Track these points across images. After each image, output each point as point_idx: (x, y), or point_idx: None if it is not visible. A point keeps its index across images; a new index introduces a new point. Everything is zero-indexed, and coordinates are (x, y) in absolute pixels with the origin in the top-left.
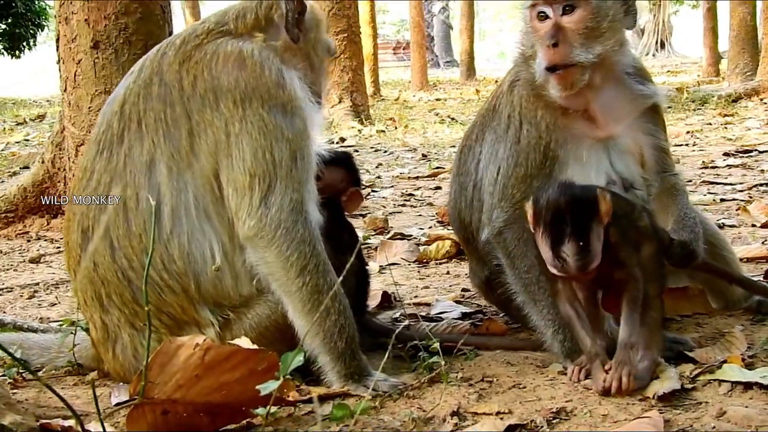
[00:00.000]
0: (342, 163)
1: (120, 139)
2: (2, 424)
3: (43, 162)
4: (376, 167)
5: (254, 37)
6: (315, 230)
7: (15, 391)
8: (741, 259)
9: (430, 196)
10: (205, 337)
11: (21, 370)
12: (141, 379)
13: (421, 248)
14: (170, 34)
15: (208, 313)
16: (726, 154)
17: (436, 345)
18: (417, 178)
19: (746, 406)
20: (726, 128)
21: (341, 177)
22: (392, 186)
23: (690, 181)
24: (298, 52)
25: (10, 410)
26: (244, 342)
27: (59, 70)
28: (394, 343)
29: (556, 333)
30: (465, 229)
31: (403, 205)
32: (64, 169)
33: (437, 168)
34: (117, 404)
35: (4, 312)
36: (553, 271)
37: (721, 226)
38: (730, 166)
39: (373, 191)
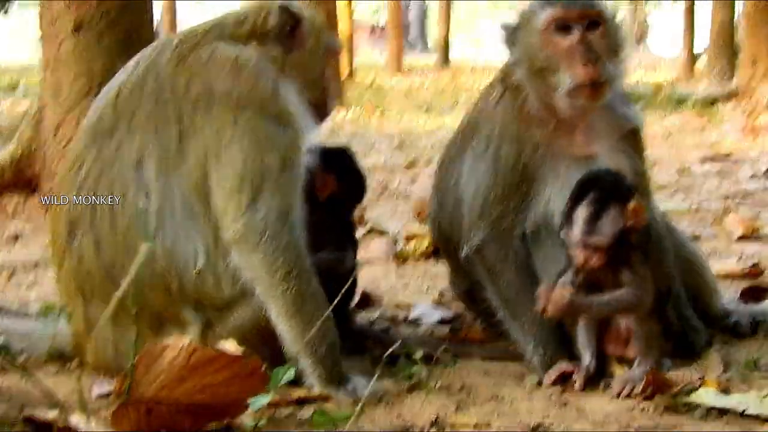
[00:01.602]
0: (343, 161)
1: (111, 133)
2: None
3: (20, 140)
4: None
5: (250, 45)
6: (300, 238)
7: None
8: (717, 275)
9: (406, 189)
10: (190, 339)
11: (3, 357)
12: (126, 379)
13: (399, 246)
14: (151, 20)
15: (190, 312)
16: (702, 160)
17: (419, 353)
18: (392, 171)
19: None
20: (703, 131)
21: (347, 181)
22: (368, 176)
23: (665, 187)
24: (295, 62)
25: None
26: (230, 345)
27: (42, 48)
28: (373, 348)
29: (536, 347)
30: (446, 243)
31: (380, 197)
32: (42, 148)
33: (414, 158)
34: (99, 395)
35: None
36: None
37: (697, 237)
38: (706, 174)
39: None
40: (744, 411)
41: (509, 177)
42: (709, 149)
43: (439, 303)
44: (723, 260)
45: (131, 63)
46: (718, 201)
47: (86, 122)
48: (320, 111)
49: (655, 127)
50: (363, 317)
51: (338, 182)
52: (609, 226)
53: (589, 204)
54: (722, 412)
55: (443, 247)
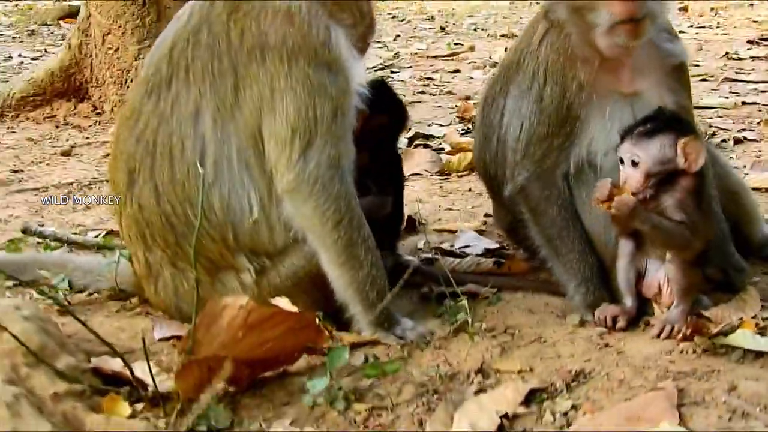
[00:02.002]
0: (387, 100)
1: (168, 85)
2: (57, 368)
3: (69, 47)
4: (394, 40)
5: None
6: (350, 185)
7: (62, 321)
8: (759, 189)
9: (449, 82)
10: (247, 299)
11: (68, 298)
12: (188, 338)
13: (444, 158)
14: None
15: (244, 260)
16: (750, 42)
17: (464, 301)
18: (436, 57)
19: (756, 379)
20: (752, 6)
21: (388, 113)
22: (410, 66)
23: (712, 76)
24: (345, 2)
25: (63, 351)
26: (284, 302)
27: None
28: (420, 282)
29: (578, 286)
30: (490, 180)
31: (423, 92)
32: (90, 56)
33: (456, 45)
34: (160, 338)
35: (42, 216)
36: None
37: (742, 140)
38: (753, 58)
39: (392, 72)
40: None
41: (553, 116)
42: (757, 28)
43: (482, 231)
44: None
45: (185, 12)
46: (765, 93)
47: (143, 72)
48: (362, 46)
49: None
50: (410, 244)
51: (378, 117)
52: (657, 148)
53: (645, 122)
54: (759, 354)
55: (487, 183)
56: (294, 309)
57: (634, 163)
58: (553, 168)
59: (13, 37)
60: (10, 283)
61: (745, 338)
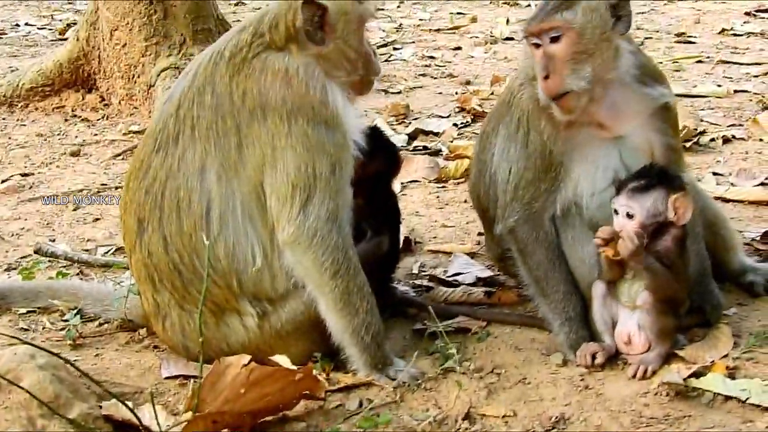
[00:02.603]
0: (381, 146)
1: (175, 141)
2: (69, 419)
3: (78, 39)
4: (398, 7)
5: (292, 49)
6: (348, 236)
7: (76, 356)
8: (742, 202)
9: (450, 62)
10: (250, 358)
11: (79, 328)
12: (194, 397)
13: (441, 163)
14: None
15: (248, 304)
16: (747, 14)
17: (452, 348)
18: (438, 30)
19: (724, 426)
20: None
21: (382, 159)
22: (413, 41)
23: (708, 57)
24: (333, 53)
25: (76, 398)
26: (283, 360)
27: None
28: (415, 314)
29: (562, 325)
30: (483, 212)
31: (423, 75)
32: (98, 48)
33: (458, 16)
34: (167, 377)
35: (53, 229)
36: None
37: (730, 139)
38: (749, 34)
39: (394, 49)
40: (746, 399)
41: (538, 162)
42: None
43: (474, 254)
44: (752, 179)
45: (190, 70)
46: (757, 78)
47: (151, 127)
48: (364, 87)
49: None
50: (406, 265)
51: (374, 163)
52: (651, 202)
53: (639, 177)
54: (728, 398)
55: (480, 215)
56: (290, 365)
57: (629, 215)
58: (541, 211)
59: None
60: (23, 309)
61: (715, 382)
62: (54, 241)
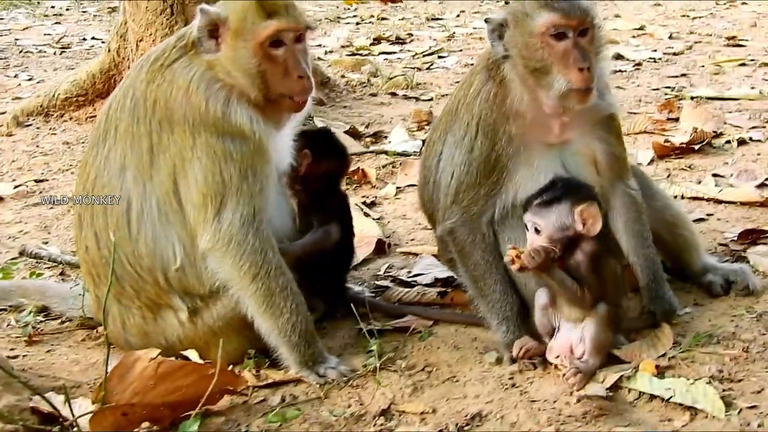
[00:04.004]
0: (331, 148)
1: (104, 140)
2: None
3: (109, 51)
4: (457, 16)
5: (196, 58)
6: (267, 237)
7: (27, 351)
8: (734, 203)
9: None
10: (158, 352)
11: (36, 325)
12: (101, 389)
13: None
14: None
15: (179, 300)
16: None
17: (376, 347)
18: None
19: (639, 424)
20: None
21: (332, 160)
22: (460, 50)
23: (753, 60)
24: (229, 63)
25: (7, 391)
26: (192, 354)
27: None
28: (367, 312)
29: (499, 324)
30: (429, 217)
31: (457, 82)
32: (128, 59)
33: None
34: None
35: (49, 233)
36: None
37: (747, 141)
38: None
39: (439, 57)
40: (670, 398)
41: (481, 167)
42: None
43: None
44: (753, 180)
45: (131, 71)
46: None
47: (94, 125)
48: (287, 106)
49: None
50: (375, 267)
51: (323, 163)
52: (555, 216)
53: (542, 192)
54: (653, 397)
55: (428, 218)
56: (198, 359)
57: (537, 231)
58: (479, 214)
59: (94, 15)
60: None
61: (642, 381)
62: (47, 243)
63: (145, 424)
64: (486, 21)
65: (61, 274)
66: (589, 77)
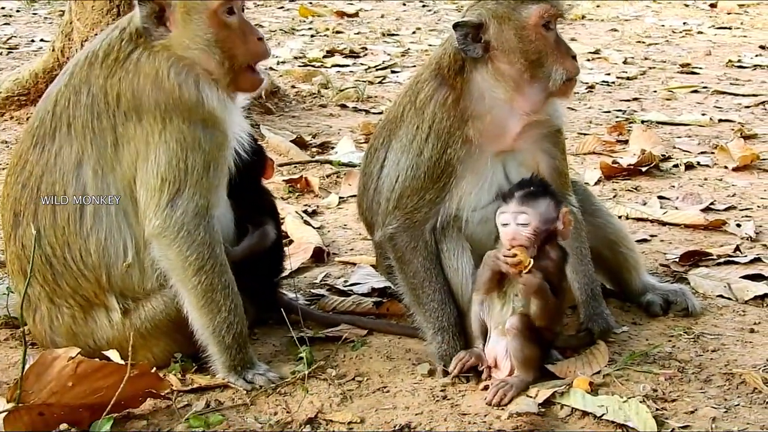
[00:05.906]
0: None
1: (52, 138)
2: None
3: (53, 50)
4: (413, 33)
5: (155, 47)
6: (216, 234)
7: None
8: (678, 225)
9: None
10: (78, 351)
11: None
12: (16, 387)
13: None
14: None
15: (114, 300)
16: (762, 47)
17: (307, 355)
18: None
19: None
20: None
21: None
22: (414, 66)
23: (705, 87)
24: (188, 38)
25: None
26: (113, 355)
27: None
28: (299, 320)
29: (435, 334)
30: (368, 225)
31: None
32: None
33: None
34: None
35: None
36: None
37: (694, 165)
38: (756, 66)
39: (392, 72)
40: (602, 415)
41: (430, 171)
42: None
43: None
44: (700, 203)
45: (67, 69)
46: (748, 108)
47: (29, 124)
48: (243, 79)
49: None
50: (312, 276)
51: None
52: (544, 207)
53: (528, 185)
54: (585, 414)
55: (366, 226)
56: (120, 360)
57: (522, 223)
58: (422, 221)
59: (45, 18)
60: None
61: (575, 398)
62: None
63: (64, 426)
64: (456, 25)
65: None
66: (578, 66)
